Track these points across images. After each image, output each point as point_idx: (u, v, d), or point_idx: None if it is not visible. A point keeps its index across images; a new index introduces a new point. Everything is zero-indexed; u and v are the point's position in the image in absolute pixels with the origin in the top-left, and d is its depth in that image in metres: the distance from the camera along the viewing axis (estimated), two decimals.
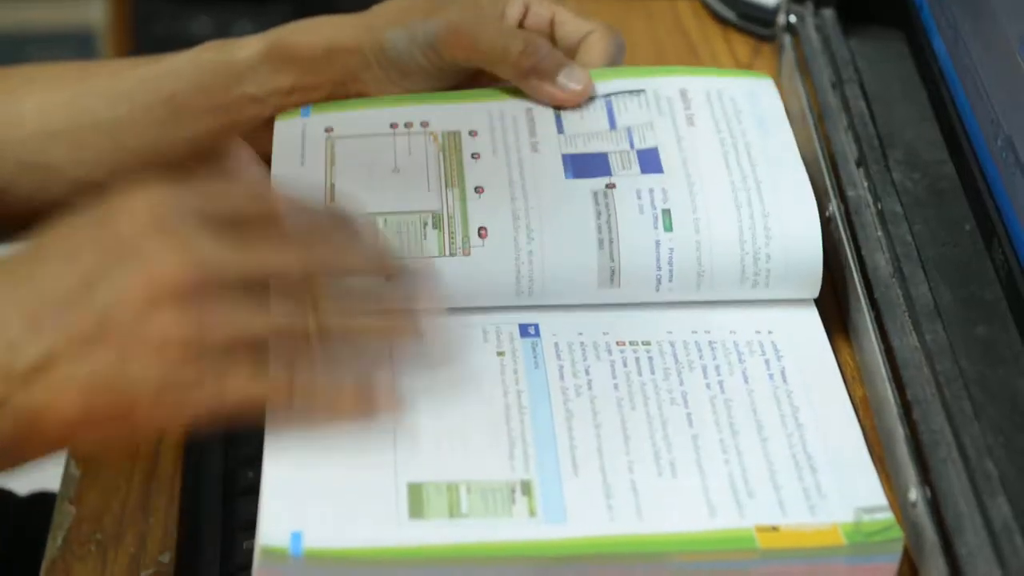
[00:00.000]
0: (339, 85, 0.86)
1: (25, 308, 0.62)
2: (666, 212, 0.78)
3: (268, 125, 0.85)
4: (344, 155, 0.82)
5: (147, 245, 0.62)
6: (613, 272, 0.77)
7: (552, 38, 0.87)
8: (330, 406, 0.67)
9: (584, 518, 0.67)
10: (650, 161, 0.81)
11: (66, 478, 0.79)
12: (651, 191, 0.79)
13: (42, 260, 0.64)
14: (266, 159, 0.83)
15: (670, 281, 0.77)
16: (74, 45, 2.34)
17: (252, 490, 0.73)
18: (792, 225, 0.78)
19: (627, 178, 0.80)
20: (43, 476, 0.92)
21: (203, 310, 0.62)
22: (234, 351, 0.63)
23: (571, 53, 0.87)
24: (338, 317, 0.66)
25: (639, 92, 0.85)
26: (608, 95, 0.85)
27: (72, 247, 0.63)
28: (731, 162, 0.81)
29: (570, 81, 0.84)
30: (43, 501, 0.96)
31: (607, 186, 0.80)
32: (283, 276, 0.65)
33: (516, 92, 0.85)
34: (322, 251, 0.66)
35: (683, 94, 0.85)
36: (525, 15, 0.86)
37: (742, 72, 0.87)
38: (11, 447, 0.63)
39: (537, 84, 0.84)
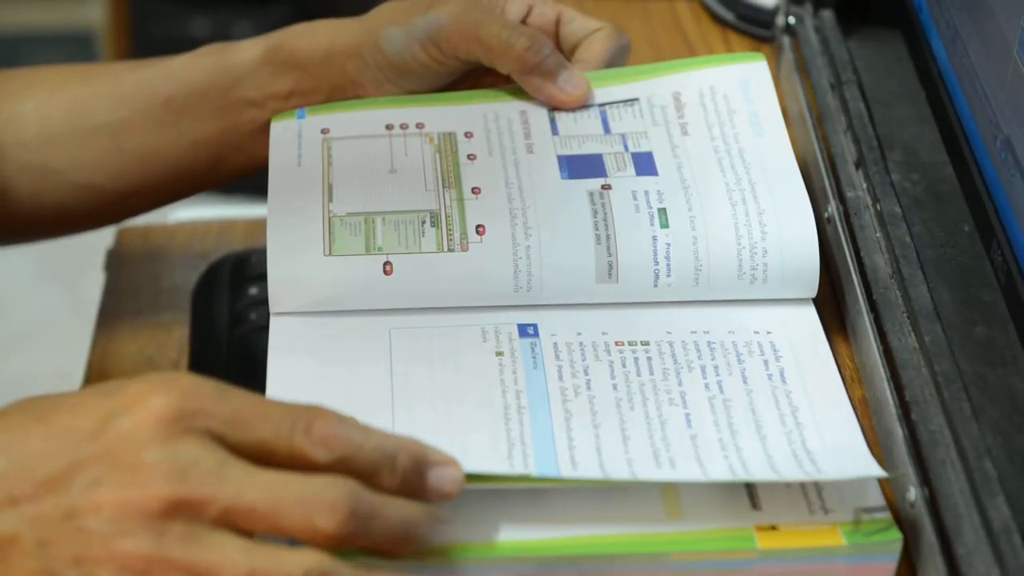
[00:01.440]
0: (337, 89, 0.86)
1: (11, 475, 0.60)
2: (662, 211, 0.79)
3: (266, 129, 0.85)
4: (341, 156, 0.82)
5: (140, 454, 0.59)
6: (611, 267, 0.77)
7: (556, 38, 0.87)
8: None
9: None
10: (645, 164, 0.81)
11: None
12: (647, 192, 0.79)
13: (46, 421, 0.61)
14: (263, 163, 0.83)
15: (668, 276, 0.77)
16: (73, 46, 2.34)
17: None
18: (787, 222, 0.78)
19: (622, 179, 0.80)
20: None
21: (169, 540, 0.58)
22: None
23: (574, 52, 0.87)
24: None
25: (633, 102, 0.85)
26: (602, 104, 0.85)
27: (72, 424, 0.60)
28: (725, 167, 0.81)
29: (568, 85, 0.84)
30: None
31: (603, 187, 0.80)
32: (282, 525, 0.59)
33: (510, 94, 0.85)
34: (346, 515, 0.59)
35: (676, 99, 0.85)
36: (528, 14, 0.86)
37: (736, 57, 0.87)
38: None
39: (539, 83, 0.84)
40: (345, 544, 0.60)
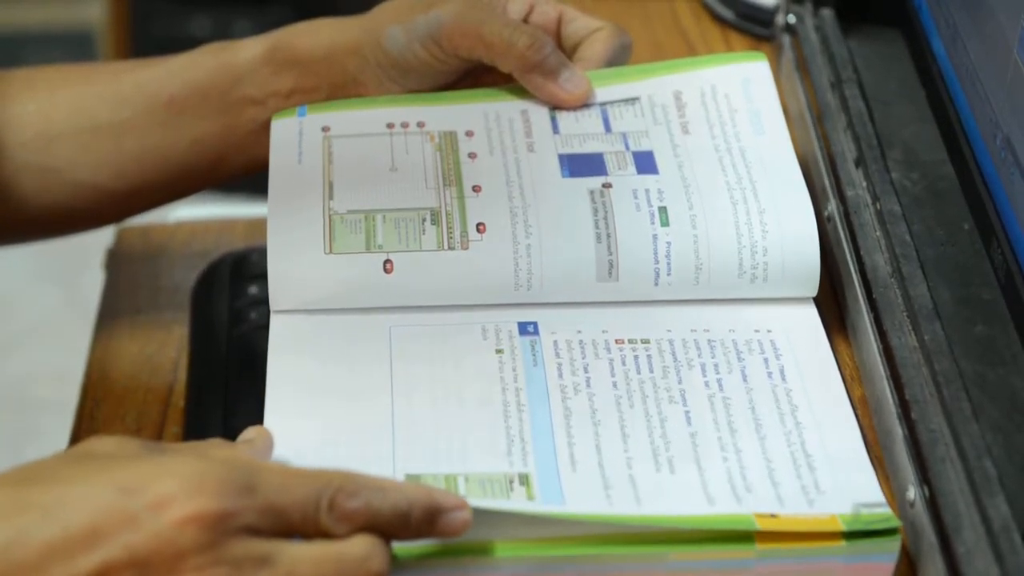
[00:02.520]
0: (338, 87, 0.86)
1: (26, 557, 0.58)
2: (663, 209, 0.79)
3: (267, 128, 0.85)
4: (341, 154, 0.82)
5: (185, 559, 0.59)
6: (612, 265, 0.77)
7: (558, 37, 0.87)
8: None
9: (582, 502, 0.67)
10: (646, 163, 0.81)
11: None
12: (647, 191, 0.79)
13: (59, 522, 0.58)
14: (264, 162, 0.83)
15: (668, 275, 0.77)
16: (73, 45, 2.34)
17: None
18: (788, 221, 0.78)
19: (623, 178, 0.80)
20: None
21: None
22: None
23: (576, 50, 0.87)
24: None
25: (634, 101, 0.85)
26: (604, 103, 0.85)
27: (97, 525, 0.58)
28: (726, 165, 0.81)
29: (569, 84, 0.84)
30: None
31: (603, 185, 0.80)
32: None
33: (511, 93, 0.85)
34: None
35: (677, 98, 0.85)
36: (530, 13, 0.86)
37: (737, 56, 0.87)
38: None
39: (541, 81, 0.84)
40: None
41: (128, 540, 0.58)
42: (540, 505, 0.67)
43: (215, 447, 0.66)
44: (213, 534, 0.59)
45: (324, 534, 0.62)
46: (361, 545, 0.62)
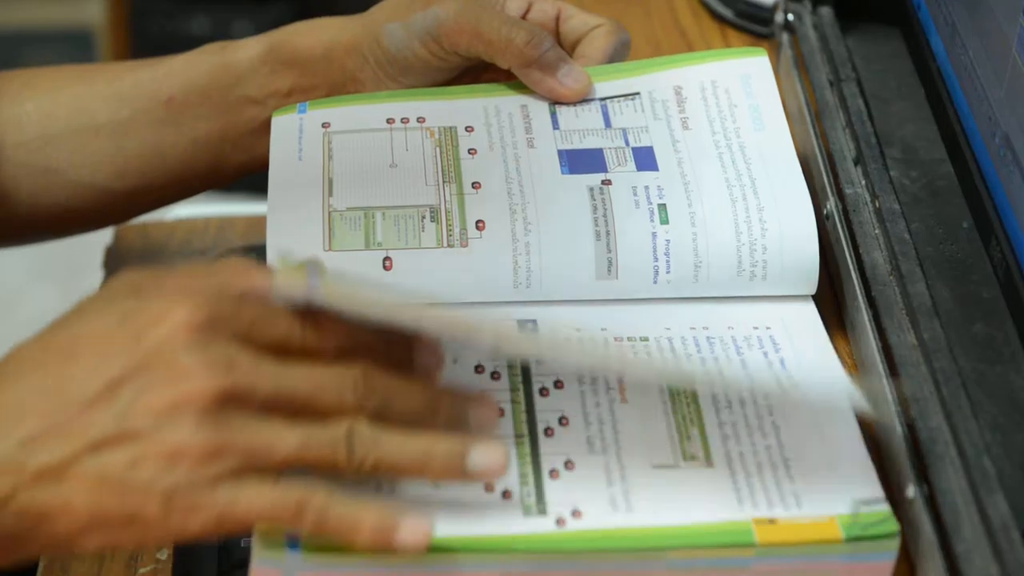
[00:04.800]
0: (338, 86, 0.86)
1: (47, 406, 0.61)
2: (662, 207, 0.79)
3: (267, 127, 0.86)
4: (341, 150, 0.82)
5: (178, 358, 0.61)
6: (611, 263, 0.77)
7: (556, 34, 0.87)
8: (346, 534, 0.63)
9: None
10: (645, 159, 0.81)
11: None
12: (647, 188, 0.79)
13: (72, 355, 0.62)
14: (264, 161, 0.83)
15: (668, 273, 0.77)
16: (72, 44, 2.34)
17: None
18: (787, 218, 0.78)
19: (623, 175, 0.80)
20: None
21: (224, 426, 0.61)
22: (251, 466, 0.61)
23: (574, 48, 0.87)
24: (372, 451, 0.63)
25: (634, 96, 0.85)
26: (604, 99, 0.85)
27: (103, 349, 0.62)
28: (726, 162, 0.81)
29: (568, 79, 0.84)
30: None
31: (603, 182, 0.80)
32: (317, 405, 0.63)
33: (510, 89, 0.85)
34: (365, 388, 0.64)
35: (678, 93, 0.85)
36: (528, 11, 0.86)
37: (737, 52, 0.87)
38: (12, 543, 0.62)
39: (539, 76, 0.84)
40: (373, 420, 0.63)
41: (137, 352, 0.61)
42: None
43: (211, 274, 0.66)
44: (202, 336, 0.62)
45: (309, 353, 0.64)
46: (351, 367, 0.63)
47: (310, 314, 0.64)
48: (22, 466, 0.60)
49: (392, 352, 0.66)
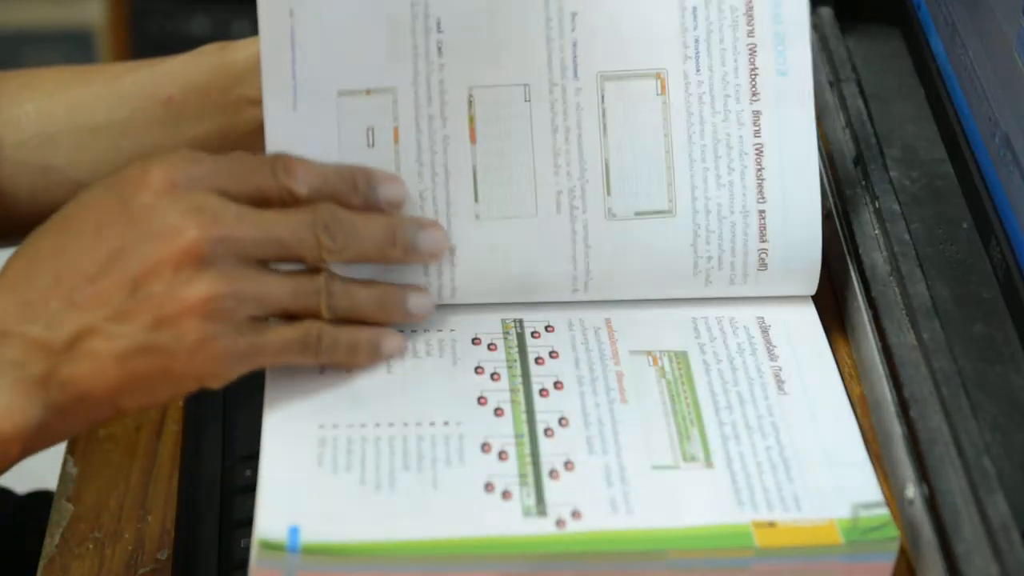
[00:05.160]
0: None
1: (59, 284, 0.66)
2: None
3: None
4: None
5: (166, 214, 0.66)
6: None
7: None
8: (349, 355, 0.71)
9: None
10: None
11: (64, 476, 0.79)
12: None
13: (70, 234, 0.67)
14: None
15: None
16: (72, 44, 2.34)
17: (250, 488, 0.73)
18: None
19: None
20: (41, 474, 0.92)
21: (227, 271, 0.66)
22: (260, 310, 0.68)
23: None
24: (344, 299, 0.70)
25: None
26: None
27: (97, 220, 0.67)
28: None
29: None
30: (41, 499, 0.96)
31: None
32: (297, 248, 0.68)
33: None
34: (335, 230, 0.70)
35: None
36: None
37: None
38: (61, 417, 0.66)
39: None
40: (339, 257, 0.70)
41: (126, 219, 0.67)
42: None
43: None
44: (185, 193, 0.67)
45: (286, 200, 0.69)
46: (322, 211, 0.69)
47: (280, 159, 0.70)
48: (52, 344, 0.65)
49: (356, 189, 0.72)
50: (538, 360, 0.74)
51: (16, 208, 0.87)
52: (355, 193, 0.72)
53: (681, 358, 0.75)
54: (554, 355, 0.74)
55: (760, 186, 0.78)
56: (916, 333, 0.75)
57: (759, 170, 0.77)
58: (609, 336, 0.76)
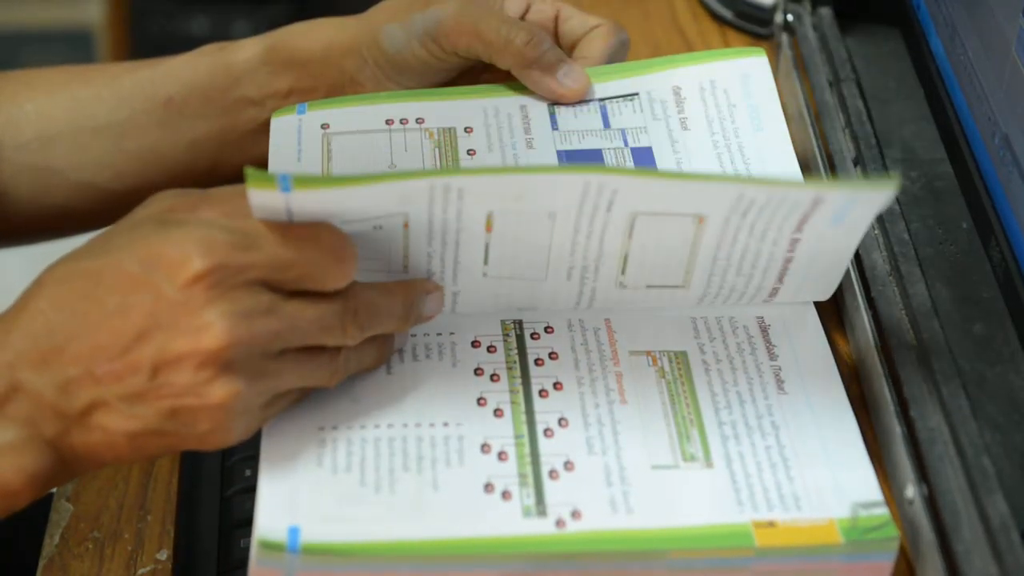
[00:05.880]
0: (336, 87, 0.86)
1: (79, 351, 0.65)
2: None
3: (265, 128, 0.85)
4: (340, 151, 0.82)
5: (198, 313, 0.64)
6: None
7: (555, 35, 0.87)
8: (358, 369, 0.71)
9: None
10: (644, 159, 0.81)
11: None
12: None
13: (97, 300, 0.65)
14: (263, 161, 0.83)
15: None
16: (71, 44, 2.34)
17: (249, 488, 0.73)
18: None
19: None
20: None
21: (249, 371, 0.65)
22: (270, 398, 0.67)
23: (574, 48, 0.87)
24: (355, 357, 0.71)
25: (632, 97, 0.85)
26: (602, 99, 0.85)
27: (126, 295, 0.65)
28: (724, 162, 0.81)
29: (567, 79, 0.84)
30: (40, 499, 0.96)
31: None
32: (321, 337, 0.68)
33: (509, 89, 0.85)
34: (364, 319, 0.69)
35: (676, 93, 0.85)
36: (527, 12, 0.86)
37: (736, 52, 0.87)
38: (69, 472, 0.67)
39: (538, 77, 0.84)
40: (360, 338, 0.69)
41: (159, 307, 0.64)
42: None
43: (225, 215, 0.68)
44: (222, 289, 0.64)
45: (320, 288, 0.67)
46: (351, 300, 0.68)
47: (307, 232, 0.67)
48: (64, 410, 0.65)
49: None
50: (537, 361, 0.74)
51: (16, 209, 0.87)
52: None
53: (681, 358, 0.75)
54: (553, 356, 0.74)
55: (781, 275, 0.76)
56: (916, 333, 0.75)
57: (786, 262, 0.75)
58: (609, 337, 0.76)
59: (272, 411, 0.68)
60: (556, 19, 0.87)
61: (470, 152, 0.82)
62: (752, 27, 1.06)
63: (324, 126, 0.83)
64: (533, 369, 0.74)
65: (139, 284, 0.64)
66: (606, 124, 0.83)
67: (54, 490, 0.79)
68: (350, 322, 0.68)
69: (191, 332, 0.64)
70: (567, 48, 0.87)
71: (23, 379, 0.65)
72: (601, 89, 0.85)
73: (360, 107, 0.84)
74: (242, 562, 0.72)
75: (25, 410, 0.65)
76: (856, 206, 0.69)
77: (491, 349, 0.74)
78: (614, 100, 0.85)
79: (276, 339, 0.66)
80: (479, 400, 0.72)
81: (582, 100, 0.84)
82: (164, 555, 0.75)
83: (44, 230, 0.91)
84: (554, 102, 0.85)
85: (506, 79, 0.86)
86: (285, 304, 0.66)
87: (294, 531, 0.65)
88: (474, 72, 0.87)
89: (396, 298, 0.71)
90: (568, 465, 0.69)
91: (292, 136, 0.83)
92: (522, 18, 0.86)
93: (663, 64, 0.86)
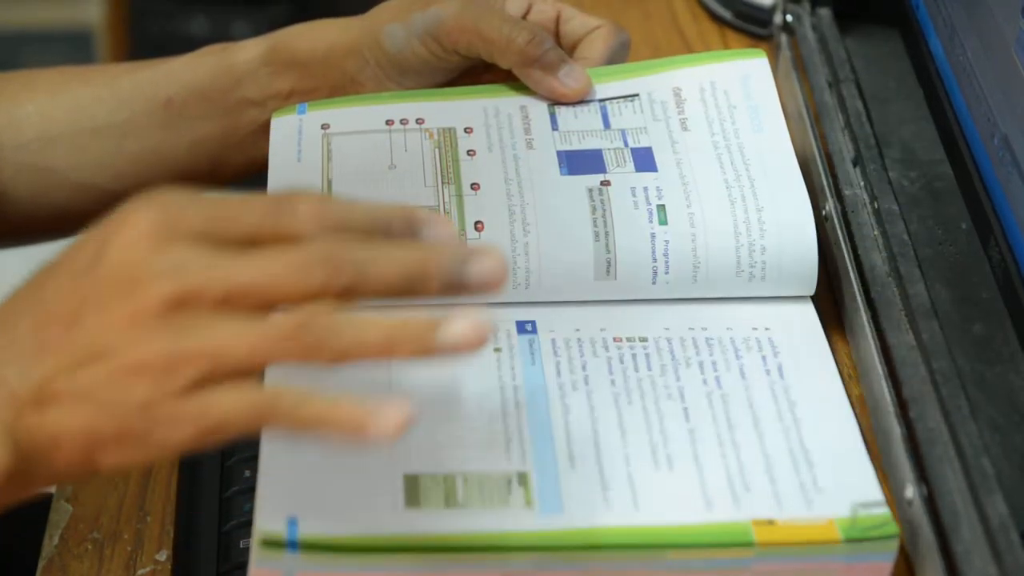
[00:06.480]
0: (337, 88, 0.86)
1: (34, 326, 0.62)
2: (661, 207, 0.79)
3: (266, 128, 0.86)
4: (340, 152, 0.82)
5: (133, 268, 0.60)
6: (609, 264, 0.77)
7: (556, 36, 0.87)
8: (319, 425, 0.59)
9: (580, 509, 0.67)
10: (644, 160, 0.81)
11: None
12: (645, 188, 0.80)
13: (55, 275, 0.63)
14: (263, 163, 0.83)
15: (666, 273, 0.77)
16: (71, 45, 2.34)
17: (249, 488, 0.73)
18: (786, 219, 0.78)
19: (621, 175, 0.80)
20: None
21: (181, 333, 0.59)
22: (217, 371, 0.60)
23: (575, 49, 0.87)
24: (332, 339, 0.59)
25: (633, 97, 0.85)
26: (602, 100, 0.85)
27: (76, 265, 0.62)
28: (725, 163, 0.81)
29: (569, 79, 0.84)
30: (40, 500, 0.96)
31: (602, 183, 0.80)
32: (279, 294, 0.59)
33: (510, 89, 0.85)
34: (333, 266, 0.59)
35: (677, 94, 0.85)
36: (528, 12, 0.87)
37: (736, 53, 0.87)
38: (36, 465, 0.62)
39: (540, 76, 0.84)
40: (348, 297, 0.59)
41: (100, 266, 0.61)
42: (537, 515, 0.67)
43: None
44: (159, 241, 0.60)
45: (286, 243, 0.59)
46: (320, 244, 0.59)
47: (287, 197, 0.61)
48: (18, 391, 0.61)
49: (390, 232, 0.61)
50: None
51: (16, 210, 0.87)
52: (387, 237, 0.60)
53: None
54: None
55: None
56: (915, 333, 0.75)
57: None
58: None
59: (204, 425, 0.60)
60: (557, 20, 0.87)
61: (470, 152, 0.82)
62: (751, 28, 1.06)
63: (324, 126, 0.83)
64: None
65: (87, 252, 0.61)
66: (606, 124, 0.83)
67: (53, 491, 0.79)
68: (319, 267, 0.58)
69: (124, 292, 0.60)
70: (568, 49, 0.87)
71: None
72: (601, 90, 0.85)
73: (360, 107, 0.84)
74: (242, 563, 0.72)
75: None
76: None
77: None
78: (614, 101, 0.85)
79: (217, 296, 0.59)
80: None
81: (582, 100, 0.85)
82: (164, 556, 0.75)
83: (43, 230, 0.91)
84: (555, 102, 0.85)
85: (507, 80, 0.86)
86: (230, 258, 0.59)
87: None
88: (475, 72, 0.87)
89: (401, 248, 0.60)
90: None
91: (292, 137, 0.83)
92: (523, 18, 0.86)
93: (664, 65, 0.87)
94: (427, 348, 0.58)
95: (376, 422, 0.58)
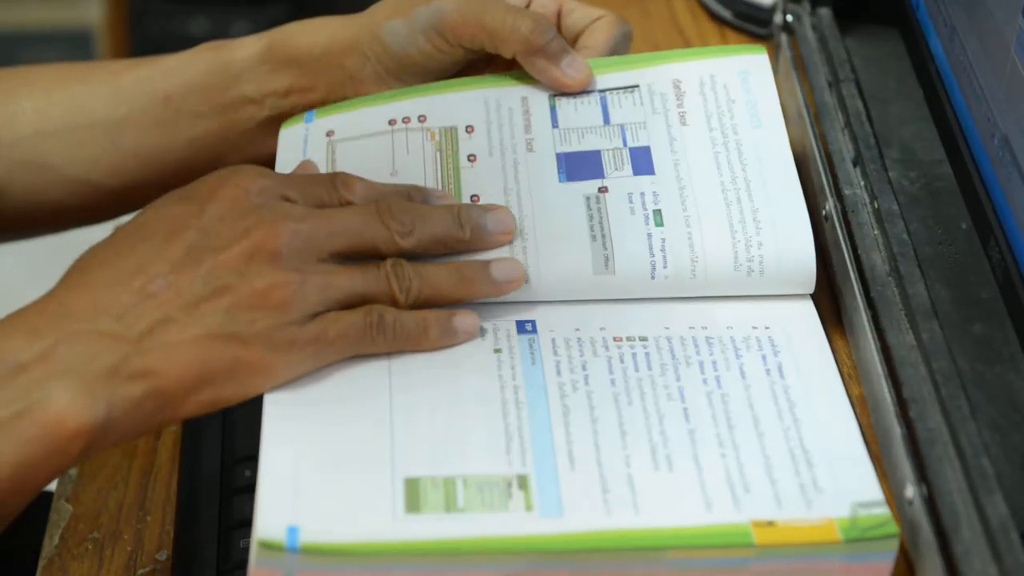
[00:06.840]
0: (336, 86, 0.86)
1: (131, 281, 0.68)
2: (657, 212, 0.79)
3: (265, 126, 0.86)
4: (344, 159, 0.82)
5: (237, 220, 0.69)
6: (607, 259, 0.77)
7: (558, 29, 0.87)
8: (418, 335, 0.73)
9: (581, 512, 0.67)
10: (642, 161, 0.81)
11: (63, 477, 0.79)
12: (642, 194, 0.80)
13: (142, 238, 0.69)
14: (263, 161, 0.84)
15: (665, 267, 0.77)
16: (71, 44, 2.34)
17: (249, 489, 0.73)
18: (782, 217, 0.78)
19: (619, 180, 0.80)
20: None
21: (296, 264, 0.69)
22: (328, 300, 0.70)
23: (577, 42, 0.87)
24: (416, 281, 0.73)
25: (633, 88, 0.85)
26: (603, 91, 0.85)
27: (170, 226, 0.70)
28: (722, 162, 0.81)
29: (571, 68, 0.84)
30: (40, 500, 0.96)
31: (599, 190, 0.80)
32: (368, 234, 0.72)
33: (512, 79, 0.85)
34: (398, 218, 0.73)
35: (676, 87, 0.85)
36: (529, 5, 0.87)
37: (737, 49, 0.87)
38: (127, 416, 0.67)
39: (544, 65, 0.84)
40: (410, 244, 0.73)
41: (201, 224, 0.70)
42: (538, 518, 0.67)
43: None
44: (257, 201, 0.70)
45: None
46: (384, 204, 0.74)
47: (340, 176, 0.75)
48: (123, 335, 0.67)
49: (411, 199, 0.76)
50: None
51: (12, 205, 0.87)
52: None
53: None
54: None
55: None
56: (915, 333, 0.75)
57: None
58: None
59: (326, 328, 0.70)
60: (559, 13, 0.87)
61: (471, 158, 0.82)
62: (751, 27, 1.07)
63: (329, 133, 0.83)
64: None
65: (179, 215, 0.70)
66: (606, 119, 0.83)
67: (53, 491, 0.79)
68: (388, 218, 0.72)
69: (234, 237, 0.69)
70: (570, 42, 0.87)
71: (77, 327, 0.66)
72: (602, 81, 0.85)
73: (364, 109, 0.84)
74: (242, 562, 0.72)
75: (77, 350, 0.66)
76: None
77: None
78: (615, 92, 0.85)
79: (318, 236, 0.70)
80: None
81: (583, 91, 0.85)
82: (164, 555, 0.75)
83: (39, 225, 0.91)
84: (556, 92, 0.85)
85: (509, 71, 0.86)
86: (318, 210, 0.72)
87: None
88: (477, 67, 0.87)
89: (437, 207, 0.76)
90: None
91: (298, 146, 0.83)
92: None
93: (664, 57, 0.87)
94: (486, 285, 0.75)
95: (456, 322, 0.74)
